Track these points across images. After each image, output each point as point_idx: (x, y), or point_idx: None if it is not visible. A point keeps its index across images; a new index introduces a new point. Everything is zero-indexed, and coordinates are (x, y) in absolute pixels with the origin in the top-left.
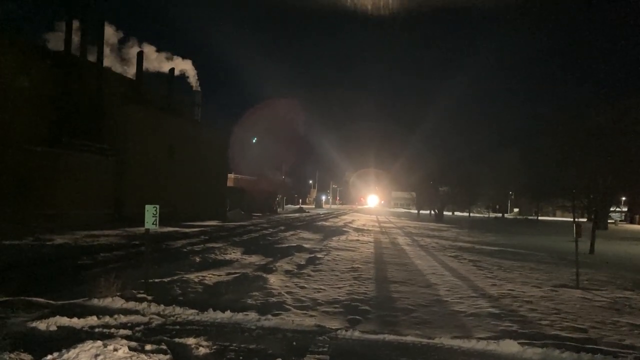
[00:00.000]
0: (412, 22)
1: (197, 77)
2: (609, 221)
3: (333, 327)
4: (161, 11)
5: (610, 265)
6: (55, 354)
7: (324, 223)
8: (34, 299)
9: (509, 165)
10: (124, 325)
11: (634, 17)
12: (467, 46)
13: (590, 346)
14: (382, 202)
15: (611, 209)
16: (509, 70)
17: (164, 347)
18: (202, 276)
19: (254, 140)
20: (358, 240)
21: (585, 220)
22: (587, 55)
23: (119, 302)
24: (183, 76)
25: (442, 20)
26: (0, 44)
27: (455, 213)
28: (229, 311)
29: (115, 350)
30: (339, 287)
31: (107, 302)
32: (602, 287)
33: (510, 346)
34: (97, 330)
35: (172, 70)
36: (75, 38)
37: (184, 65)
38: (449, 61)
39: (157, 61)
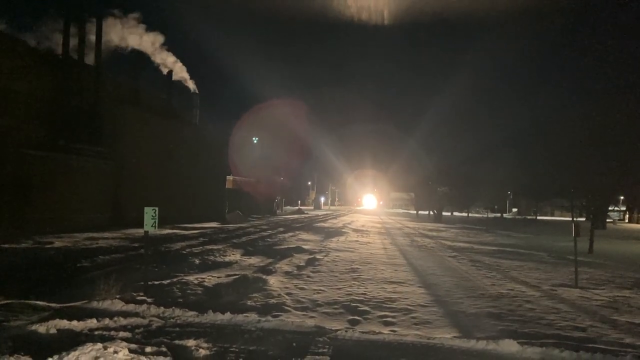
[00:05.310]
0: (411, 26)
1: (192, 78)
2: (607, 220)
3: (333, 328)
4: (158, 13)
5: (608, 264)
6: (55, 357)
7: (322, 224)
8: (34, 302)
9: (507, 165)
10: (123, 328)
11: (631, 17)
12: (465, 48)
13: (590, 345)
14: (381, 202)
15: (610, 208)
16: (506, 70)
17: (164, 349)
18: (202, 278)
19: (254, 140)
20: (357, 241)
21: (583, 219)
22: (584, 55)
23: (118, 305)
24: (179, 79)
25: (440, 23)
26: None
27: (454, 213)
28: (228, 313)
29: (115, 352)
30: (339, 288)
31: (107, 304)
32: (601, 286)
33: (509, 346)
34: (97, 332)
35: (170, 72)
36: (74, 40)
37: (182, 68)
38: (446, 63)
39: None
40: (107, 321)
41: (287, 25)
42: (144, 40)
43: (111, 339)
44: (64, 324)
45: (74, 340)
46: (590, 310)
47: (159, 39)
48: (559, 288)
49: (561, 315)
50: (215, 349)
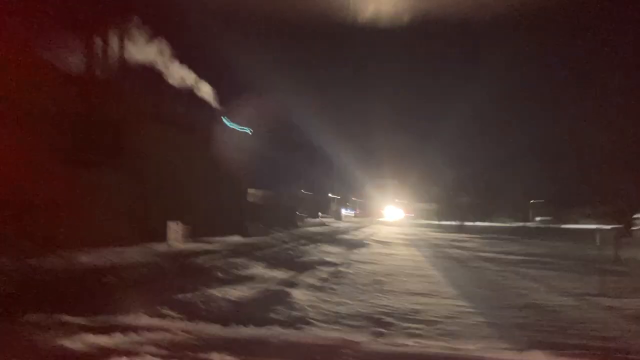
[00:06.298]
0: (427, 31)
1: (213, 92)
2: (633, 228)
3: (356, 340)
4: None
5: (637, 272)
6: None
7: (344, 236)
8: (60, 316)
9: (531, 173)
10: (149, 341)
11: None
12: (484, 54)
13: (619, 355)
14: (403, 213)
15: (637, 215)
16: (529, 76)
17: None
18: (225, 291)
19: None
20: (380, 252)
21: (610, 227)
22: (607, 59)
23: (143, 318)
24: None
25: (457, 26)
26: (17, 59)
27: (477, 223)
28: (252, 325)
29: None
30: (362, 300)
31: (132, 318)
32: (630, 295)
33: (536, 356)
34: (122, 346)
35: (191, 86)
36: (95, 54)
37: (200, 81)
38: (467, 69)
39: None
40: (132, 335)
41: (304, 35)
42: (155, 50)
43: (136, 352)
44: (90, 338)
45: (100, 354)
46: (619, 319)
47: (168, 49)
48: (586, 297)
49: (589, 325)
50: None
